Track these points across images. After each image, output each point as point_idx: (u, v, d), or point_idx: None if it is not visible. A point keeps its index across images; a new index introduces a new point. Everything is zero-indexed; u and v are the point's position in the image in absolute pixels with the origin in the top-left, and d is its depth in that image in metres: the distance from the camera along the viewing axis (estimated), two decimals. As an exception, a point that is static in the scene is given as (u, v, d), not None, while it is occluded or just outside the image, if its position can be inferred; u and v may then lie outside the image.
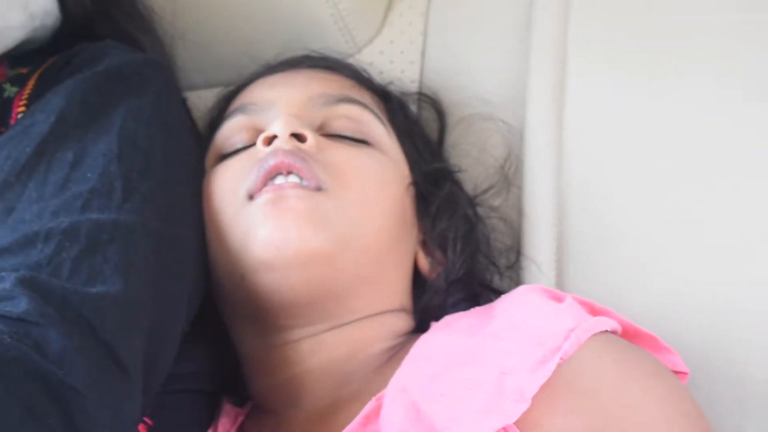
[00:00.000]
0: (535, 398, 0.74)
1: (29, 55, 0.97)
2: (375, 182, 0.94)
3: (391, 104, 1.05)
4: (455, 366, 0.79)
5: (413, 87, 1.14)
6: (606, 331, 0.81)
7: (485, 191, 1.06)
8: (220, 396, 0.97)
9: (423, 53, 1.16)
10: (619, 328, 0.84)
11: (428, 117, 1.12)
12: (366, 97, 1.02)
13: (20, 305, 0.71)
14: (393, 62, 1.16)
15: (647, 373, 0.80)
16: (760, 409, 0.93)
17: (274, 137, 0.93)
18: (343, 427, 0.80)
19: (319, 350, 0.91)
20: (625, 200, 1.01)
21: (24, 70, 0.95)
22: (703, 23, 1.04)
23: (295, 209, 0.88)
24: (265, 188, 0.90)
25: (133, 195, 0.82)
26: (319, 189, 0.90)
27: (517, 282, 1.03)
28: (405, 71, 1.16)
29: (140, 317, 0.78)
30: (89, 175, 0.82)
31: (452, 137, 1.10)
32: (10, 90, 0.94)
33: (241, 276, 0.90)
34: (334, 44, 1.13)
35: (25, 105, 0.92)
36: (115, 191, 0.82)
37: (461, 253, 0.97)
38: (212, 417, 0.94)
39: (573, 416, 0.75)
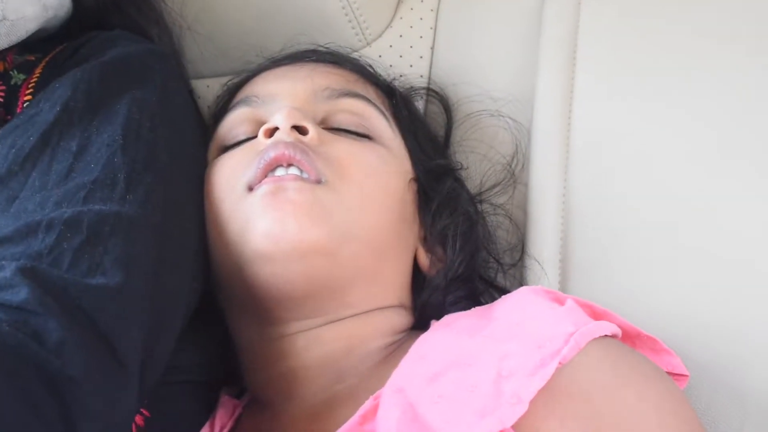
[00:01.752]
0: (532, 402, 0.74)
1: (37, 41, 0.97)
2: (376, 176, 0.94)
3: (396, 99, 1.05)
4: (454, 367, 0.79)
5: (422, 82, 1.14)
6: (606, 335, 0.81)
7: (491, 188, 1.05)
8: (218, 388, 0.98)
9: (432, 48, 1.16)
10: (619, 332, 0.83)
11: (436, 112, 1.12)
12: (370, 91, 1.02)
13: (20, 294, 0.72)
14: (402, 57, 1.16)
15: (643, 378, 0.79)
16: (759, 416, 0.93)
17: (276, 129, 0.93)
18: (339, 424, 0.80)
19: (316, 344, 0.91)
20: (631, 201, 1.01)
21: (32, 57, 0.96)
22: (713, 24, 1.03)
23: (294, 201, 0.88)
24: (265, 180, 0.90)
25: (136, 187, 0.83)
26: (318, 182, 0.90)
27: (520, 280, 1.03)
28: (414, 66, 1.16)
29: (139, 310, 0.78)
30: (93, 165, 0.83)
31: (459, 133, 1.10)
32: (17, 77, 0.94)
33: (239, 267, 0.90)
34: (344, 37, 1.13)
35: (31, 93, 0.92)
36: (118, 183, 0.82)
37: (461, 251, 0.97)
38: (210, 409, 0.95)
39: (569, 421, 0.75)
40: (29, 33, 0.92)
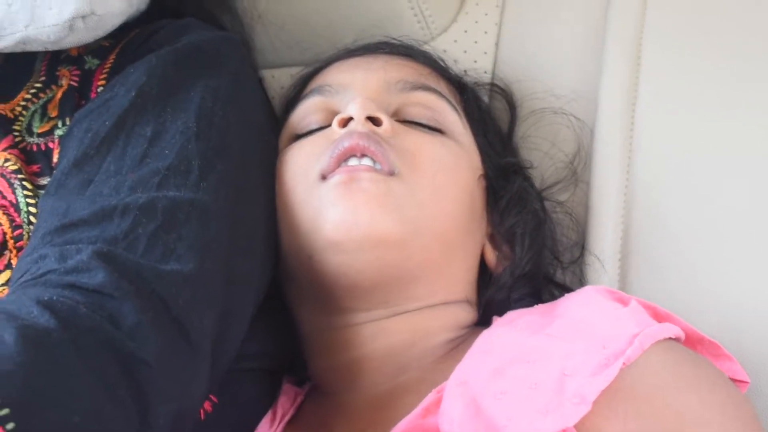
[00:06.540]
0: (595, 402, 0.74)
1: (110, 28, 0.98)
2: (447, 170, 0.94)
3: (466, 94, 1.05)
4: (517, 363, 0.79)
5: (485, 78, 1.14)
6: (669, 338, 0.81)
7: (553, 185, 1.06)
8: (281, 376, 0.99)
9: (497, 44, 1.16)
10: (682, 335, 0.83)
11: (499, 108, 1.12)
12: (442, 85, 1.03)
13: (96, 277, 0.73)
14: (467, 52, 1.16)
15: (707, 383, 0.79)
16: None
17: (350, 119, 0.93)
18: (401, 415, 0.81)
19: (381, 335, 0.92)
20: (693, 202, 1.01)
21: (105, 43, 0.96)
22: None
23: (368, 192, 0.88)
24: (339, 169, 0.90)
25: (209, 174, 0.84)
26: (391, 173, 0.90)
27: (580, 277, 1.03)
28: (478, 61, 1.16)
29: (212, 296, 0.79)
30: (167, 151, 0.84)
31: (522, 130, 1.10)
32: (91, 62, 0.95)
33: (309, 256, 0.91)
34: (410, 31, 1.13)
35: (105, 78, 0.93)
36: (192, 170, 0.83)
37: (528, 249, 0.97)
38: (274, 396, 0.96)
39: (631, 423, 0.75)
40: (114, 27, 0.93)
